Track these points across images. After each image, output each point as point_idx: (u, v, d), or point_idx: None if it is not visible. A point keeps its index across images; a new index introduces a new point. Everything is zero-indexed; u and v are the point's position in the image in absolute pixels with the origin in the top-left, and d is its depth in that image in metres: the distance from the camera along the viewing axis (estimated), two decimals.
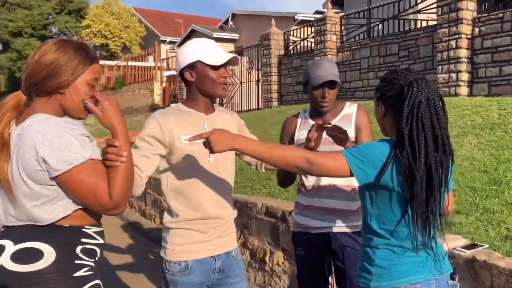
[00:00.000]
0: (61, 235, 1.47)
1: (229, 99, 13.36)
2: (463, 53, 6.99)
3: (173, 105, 2.07)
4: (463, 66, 6.99)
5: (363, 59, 9.09)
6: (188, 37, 23.74)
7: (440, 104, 1.59)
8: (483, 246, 2.32)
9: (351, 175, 1.60)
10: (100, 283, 1.58)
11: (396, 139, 1.59)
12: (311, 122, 2.45)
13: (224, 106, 13.39)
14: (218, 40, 21.22)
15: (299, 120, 2.56)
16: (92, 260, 1.55)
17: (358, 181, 1.60)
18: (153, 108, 16.21)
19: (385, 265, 1.61)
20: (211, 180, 1.99)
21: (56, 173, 1.39)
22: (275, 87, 11.26)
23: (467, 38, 7.01)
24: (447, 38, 7.15)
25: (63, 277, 1.44)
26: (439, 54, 7.28)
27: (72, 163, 1.39)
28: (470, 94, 6.98)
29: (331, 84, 2.32)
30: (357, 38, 9.67)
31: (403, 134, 1.55)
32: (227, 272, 2.05)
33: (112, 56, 28.06)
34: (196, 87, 1.99)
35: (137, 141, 1.86)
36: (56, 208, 1.45)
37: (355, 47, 9.36)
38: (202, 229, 1.97)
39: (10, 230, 1.48)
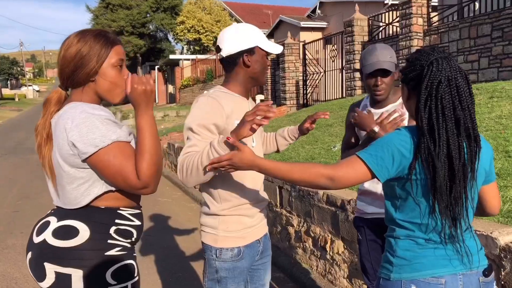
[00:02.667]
0: (96, 215, 1.56)
1: (313, 88, 13.26)
2: None
3: (217, 87, 2.03)
4: None
5: (452, 42, 8.52)
6: (276, 28, 23.86)
7: (464, 84, 1.45)
8: None
9: (374, 176, 1.49)
10: (134, 263, 1.65)
11: (417, 124, 1.49)
12: (369, 108, 2.46)
13: (309, 95, 13.33)
14: (305, 29, 21.09)
15: (361, 104, 2.55)
16: (128, 241, 1.63)
17: (381, 180, 1.50)
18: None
19: (408, 256, 1.52)
20: None
21: (84, 155, 1.48)
22: (358, 74, 10.95)
23: None
24: None
25: (95, 255, 1.53)
26: None
27: (98, 146, 1.46)
28: None
29: (383, 72, 2.26)
30: (445, 20, 9.06)
31: (422, 118, 1.45)
32: (263, 252, 2.12)
33: (204, 50, 29.12)
34: (247, 72, 1.99)
35: (197, 126, 1.83)
36: (89, 190, 1.54)
37: (443, 29, 8.79)
38: (251, 214, 2.01)
39: (57, 209, 1.63)
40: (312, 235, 3.98)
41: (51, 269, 1.52)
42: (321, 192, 3.79)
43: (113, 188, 1.57)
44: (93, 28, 1.66)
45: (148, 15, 31.00)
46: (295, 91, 13.69)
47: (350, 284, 3.51)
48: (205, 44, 28.99)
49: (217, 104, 1.89)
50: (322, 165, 1.55)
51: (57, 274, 1.52)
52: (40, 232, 1.59)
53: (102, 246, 1.56)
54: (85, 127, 1.47)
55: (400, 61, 7.71)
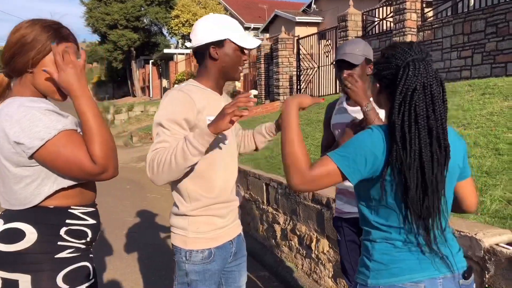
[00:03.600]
0: (44, 216, 1.46)
1: (306, 83, 13.16)
2: None
3: (189, 81, 1.93)
4: None
5: (445, 38, 8.44)
6: (272, 22, 23.71)
7: (439, 91, 1.38)
8: None
9: (345, 178, 1.41)
10: (89, 265, 1.56)
11: (388, 129, 1.41)
12: (344, 105, 2.38)
13: (302, 91, 13.23)
14: (301, 24, 20.96)
15: (337, 103, 2.47)
16: (81, 241, 1.52)
17: (352, 182, 1.42)
18: (233, 95, 16.47)
19: (385, 260, 1.44)
20: (228, 161, 1.94)
21: (31, 150, 1.37)
22: None
23: None
24: None
25: (44, 258, 1.44)
26: None
27: (44, 138, 1.36)
28: None
29: (348, 65, 2.17)
30: (439, 16, 8.97)
31: (394, 125, 1.37)
32: (237, 254, 2.03)
33: None
34: (217, 67, 1.89)
35: (167, 122, 1.75)
36: (39, 189, 1.44)
37: (436, 25, 8.71)
38: (222, 214, 1.92)
39: (4, 211, 1.50)
40: (298, 233, 3.90)
41: None
42: None
43: (65, 185, 1.46)
44: (48, 19, 1.53)
45: (142, 9, 30.69)
46: (288, 86, 13.59)
47: (335, 284, 3.43)
48: None
49: (188, 98, 1.79)
50: (307, 163, 1.43)
51: (3, 280, 1.42)
52: None
53: (52, 249, 1.46)
54: (27, 120, 1.37)
55: None
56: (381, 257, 1.45)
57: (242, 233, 2.09)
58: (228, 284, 2.04)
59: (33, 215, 1.45)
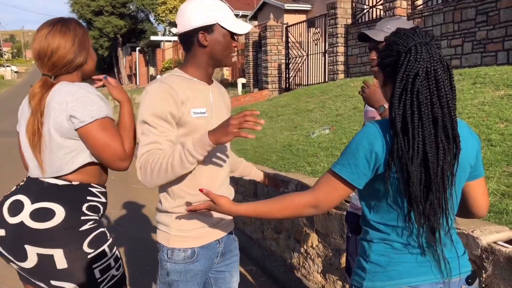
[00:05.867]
0: (70, 194, 1.71)
1: (295, 72, 13.01)
2: None
3: (173, 71, 1.80)
4: None
5: (436, 26, 8.32)
6: (260, 10, 23.42)
7: (445, 77, 1.27)
8: None
9: (354, 187, 1.34)
10: (105, 229, 1.79)
11: (389, 120, 1.30)
12: None
13: (291, 79, 13.09)
14: (289, 11, 20.73)
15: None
16: (97, 215, 1.78)
17: (360, 187, 1.35)
18: (222, 83, 16.26)
19: (382, 262, 1.35)
20: (217, 156, 1.82)
21: (81, 124, 1.64)
22: (341, 58, 10.74)
23: None
24: None
25: (71, 232, 1.68)
26: None
27: (94, 117, 1.66)
28: None
29: (372, 41, 2.04)
30: (429, 3, 8.86)
31: (395, 115, 1.27)
32: (226, 254, 1.93)
33: None
34: (206, 54, 1.75)
35: (152, 118, 1.65)
36: (74, 159, 1.70)
37: (427, 13, 8.59)
38: (208, 212, 1.78)
39: (26, 186, 1.74)
40: (287, 226, 3.79)
41: (32, 251, 1.65)
42: (295, 181, 3.59)
43: (96, 160, 1.73)
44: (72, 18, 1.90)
45: None
46: (277, 75, 13.42)
47: (324, 280, 3.33)
48: None
49: (170, 90, 1.66)
50: (299, 195, 1.40)
51: (40, 256, 1.65)
52: (14, 212, 1.67)
53: (76, 223, 1.69)
54: (85, 100, 1.66)
55: None
56: (378, 259, 1.36)
57: (233, 232, 1.98)
58: (218, 285, 1.95)
59: (60, 193, 1.70)
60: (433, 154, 1.26)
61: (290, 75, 13.18)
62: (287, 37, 13.41)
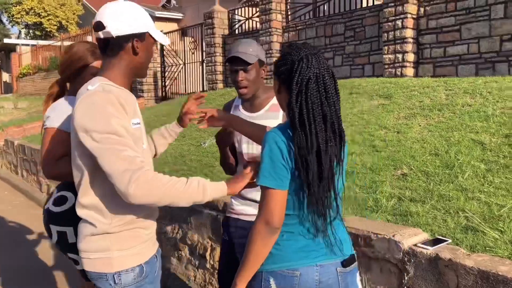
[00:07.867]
0: None
1: (172, 80, 12.77)
2: (409, 33, 6.87)
3: (100, 80, 1.63)
4: (409, 47, 6.87)
5: (309, 40, 8.82)
6: None
7: (331, 81, 1.51)
8: (447, 241, 2.07)
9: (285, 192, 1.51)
10: None
11: (289, 118, 1.51)
12: (241, 111, 2.21)
13: (167, 88, 12.81)
14: (160, 19, 20.34)
15: (233, 107, 2.29)
16: None
17: (288, 188, 1.51)
18: None
19: (273, 250, 1.54)
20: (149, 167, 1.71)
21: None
22: (220, 68, 10.81)
23: (413, 18, 6.90)
24: (393, 18, 7.00)
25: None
26: (385, 34, 7.13)
27: None
28: (416, 75, 6.91)
29: (242, 63, 2.04)
30: (303, 18, 9.38)
31: (294, 113, 1.48)
32: (159, 270, 1.84)
33: (47, 35, 26.36)
34: (132, 61, 1.67)
35: (117, 128, 1.52)
36: None
37: (300, 27, 9.07)
38: (146, 225, 1.71)
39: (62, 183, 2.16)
40: (189, 242, 3.63)
41: (54, 229, 2.10)
42: None
43: None
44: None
45: None
46: (153, 83, 13.04)
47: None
48: (48, 29, 26.23)
49: (121, 100, 1.57)
50: (255, 225, 1.50)
51: (58, 233, 2.09)
52: (47, 201, 2.18)
53: None
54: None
55: (268, 56, 7.57)
56: (275, 246, 1.54)
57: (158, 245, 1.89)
58: None
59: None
60: (323, 145, 1.48)
61: (167, 84, 12.90)
62: (162, 45, 13.11)
